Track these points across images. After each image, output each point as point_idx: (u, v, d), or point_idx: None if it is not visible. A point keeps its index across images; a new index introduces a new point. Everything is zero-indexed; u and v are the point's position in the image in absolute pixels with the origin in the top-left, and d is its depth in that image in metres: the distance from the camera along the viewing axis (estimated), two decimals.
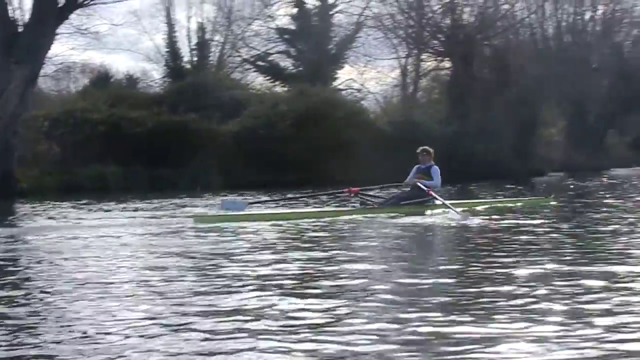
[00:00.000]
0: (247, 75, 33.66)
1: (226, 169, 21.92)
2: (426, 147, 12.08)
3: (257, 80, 32.91)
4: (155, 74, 33.58)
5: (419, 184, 11.41)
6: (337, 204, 12.95)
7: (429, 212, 11.30)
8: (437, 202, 11.31)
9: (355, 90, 31.38)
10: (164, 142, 21.43)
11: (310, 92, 25.76)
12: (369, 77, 32.59)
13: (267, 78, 32.58)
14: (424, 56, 31.67)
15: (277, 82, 31.93)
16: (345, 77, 33.58)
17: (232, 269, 5.74)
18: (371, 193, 12.21)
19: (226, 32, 32.32)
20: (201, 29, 31.72)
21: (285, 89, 29.88)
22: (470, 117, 28.11)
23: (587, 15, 40.81)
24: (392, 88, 32.07)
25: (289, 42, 33.13)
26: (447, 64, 31.65)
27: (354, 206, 11.69)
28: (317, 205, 13.42)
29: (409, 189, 11.69)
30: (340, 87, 32.78)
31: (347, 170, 20.50)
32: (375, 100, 31.28)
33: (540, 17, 38.13)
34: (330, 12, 33.36)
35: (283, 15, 33.53)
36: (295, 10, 32.99)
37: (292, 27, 33.17)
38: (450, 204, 11.21)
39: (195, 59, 31.55)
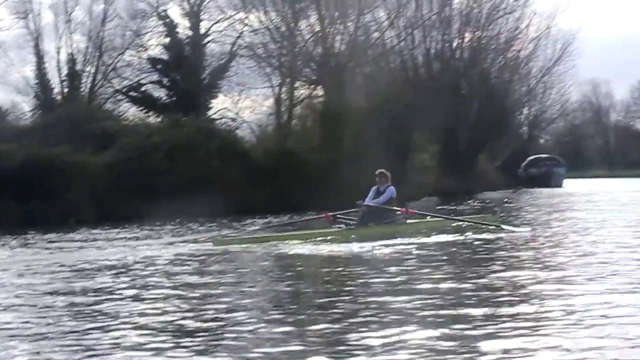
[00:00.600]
0: (120, 106, 33.77)
1: (100, 201, 22.16)
2: (382, 170, 14.26)
3: (130, 111, 33.10)
4: (25, 106, 33.22)
5: (371, 204, 13.50)
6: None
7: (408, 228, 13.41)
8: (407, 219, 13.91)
9: (230, 120, 32.17)
10: (35, 175, 21.39)
11: (184, 122, 26.37)
12: (243, 106, 33.42)
13: (141, 109, 32.84)
14: (297, 84, 32.77)
15: (150, 113, 32.24)
16: (220, 106, 34.27)
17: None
18: (344, 216, 13.97)
19: (97, 63, 32.42)
20: (71, 59, 31.64)
21: (159, 119, 30.30)
22: (344, 144, 29.30)
23: (455, 43, 43.03)
24: (266, 117, 33.00)
25: (161, 72, 33.56)
26: (320, 91, 32.88)
27: (339, 227, 13.41)
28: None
29: (367, 209, 13.43)
30: (215, 116, 33.44)
31: (223, 200, 21.16)
32: (250, 129, 32.09)
33: (409, 44, 40.07)
34: (203, 42, 34.09)
35: (155, 45, 33.97)
36: (167, 40, 33.51)
37: (165, 57, 33.65)
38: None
39: (66, 90, 31.46)
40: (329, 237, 12.36)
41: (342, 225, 13.47)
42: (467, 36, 43.51)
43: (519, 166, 53.18)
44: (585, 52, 54.70)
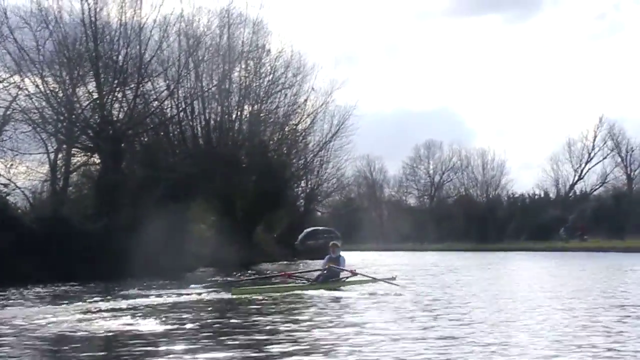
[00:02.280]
0: None
1: None
2: (335, 242, 22.78)
3: None
4: None
5: (332, 266, 20.13)
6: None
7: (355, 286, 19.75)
8: (362, 277, 20.79)
9: (2, 186, 31.69)
10: None
11: None
12: (17, 171, 32.92)
13: None
14: (73, 151, 33.00)
15: None
16: None
17: None
18: (300, 275, 21.20)
19: None
20: None
21: None
22: (121, 213, 29.89)
23: (234, 115, 44.63)
24: (41, 183, 32.83)
25: None
26: (97, 159, 33.31)
27: (303, 283, 20.06)
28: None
29: (326, 271, 20.18)
30: None
31: None
32: (23, 196, 31.72)
33: (189, 115, 41.32)
34: None
35: None
36: None
37: None
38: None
39: None
40: (308, 288, 19.03)
41: (304, 281, 20.21)
42: (247, 109, 45.00)
43: (296, 238, 55.09)
44: (361, 128, 58.03)
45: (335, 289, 18.80)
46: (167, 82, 37.53)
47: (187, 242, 34.70)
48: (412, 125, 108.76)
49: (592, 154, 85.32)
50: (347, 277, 20.49)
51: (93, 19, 32.43)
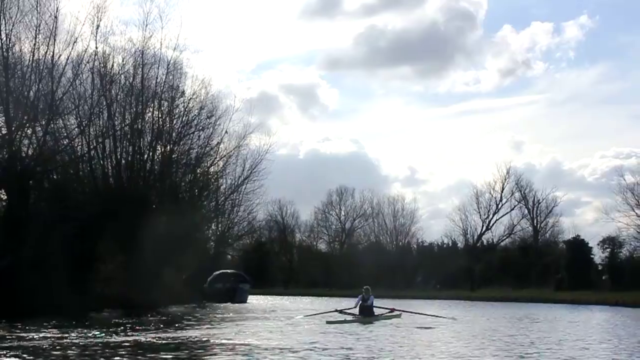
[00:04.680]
0: None
1: None
2: (368, 287, 28.00)
3: None
4: None
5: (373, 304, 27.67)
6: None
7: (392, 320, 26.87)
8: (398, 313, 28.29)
9: None
10: None
11: None
12: None
13: None
14: None
15: None
16: None
17: None
18: (347, 310, 27.53)
19: None
20: None
21: None
22: (27, 250, 29.58)
23: (146, 155, 44.38)
24: None
25: None
26: (3, 195, 32.92)
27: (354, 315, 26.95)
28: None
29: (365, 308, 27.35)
30: None
31: None
32: None
33: (100, 153, 41.04)
34: None
35: None
36: None
37: None
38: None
39: None
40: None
41: (349, 317, 26.64)
42: (159, 149, 44.73)
43: (205, 281, 54.96)
44: (274, 172, 58.56)
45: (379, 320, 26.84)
46: (79, 119, 37.43)
47: (94, 282, 34.42)
48: (325, 170, 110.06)
49: (499, 205, 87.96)
50: (388, 313, 27.98)
51: (5, 54, 32.24)
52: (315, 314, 29.47)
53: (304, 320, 27.08)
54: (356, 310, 27.42)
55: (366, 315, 26.90)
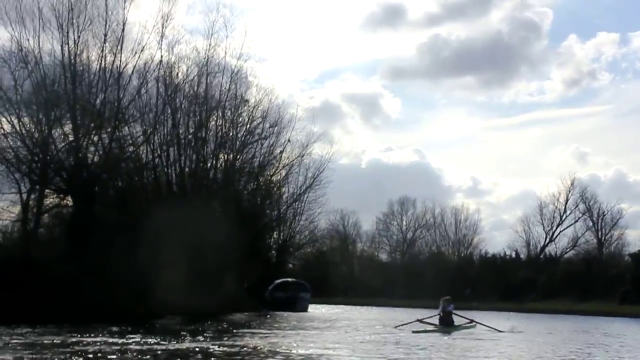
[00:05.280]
0: None
1: None
2: (448, 297, 29.52)
3: None
4: None
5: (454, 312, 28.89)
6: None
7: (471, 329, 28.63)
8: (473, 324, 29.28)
9: None
10: None
11: None
12: None
13: None
14: (46, 192, 32.95)
15: None
16: None
17: None
18: (428, 320, 28.96)
19: None
20: None
21: None
22: (91, 257, 29.79)
23: (210, 163, 44.61)
24: (12, 223, 32.71)
25: None
26: (69, 201, 33.26)
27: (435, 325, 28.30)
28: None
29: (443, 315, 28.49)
30: None
31: None
32: None
33: (164, 161, 41.26)
34: None
35: None
36: None
37: None
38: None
39: None
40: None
41: (431, 326, 27.98)
42: (222, 157, 44.89)
43: (266, 289, 54.86)
44: (336, 181, 58.34)
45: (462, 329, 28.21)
46: (144, 127, 37.74)
47: (156, 289, 34.51)
48: (387, 180, 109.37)
49: (563, 217, 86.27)
50: (466, 324, 29.19)
51: (72, 61, 32.67)
52: (402, 325, 29.79)
53: (396, 329, 27.94)
54: (436, 320, 28.66)
55: (446, 325, 28.06)
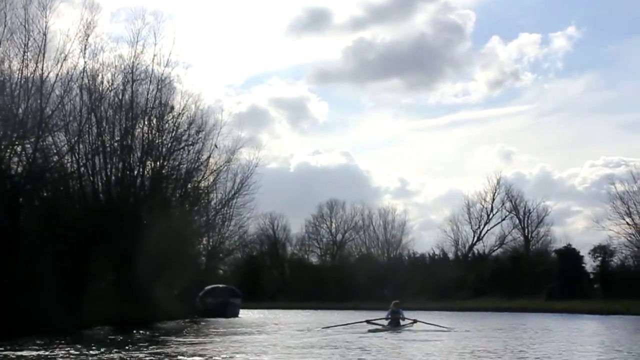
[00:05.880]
0: None
1: None
2: (397, 301, 33.27)
3: None
4: None
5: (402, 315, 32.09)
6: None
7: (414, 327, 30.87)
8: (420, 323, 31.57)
9: None
10: None
11: None
12: None
13: None
14: None
15: None
16: None
17: None
18: (376, 320, 31.17)
19: None
20: None
21: None
22: (16, 269, 29.45)
23: (136, 171, 44.12)
24: None
25: None
26: None
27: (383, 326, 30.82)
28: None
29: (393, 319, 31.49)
30: None
31: None
32: None
33: (90, 170, 40.83)
34: None
35: None
36: None
37: None
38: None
39: None
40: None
41: (380, 326, 30.46)
42: (149, 165, 44.65)
43: (197, 296, 54.76)
44: (265, 186, 58.55)
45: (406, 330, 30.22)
46: (68, 136, 37.39)
47: (85, 300, 34.30)
48: (316, 183, 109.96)
49: (490, 216, 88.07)
50: (410, 324, 31.65)
51: None
52: (343, 325, 31.85)
53: (331, 331, 29.21)
54: (385, 322, 31.39)
55: (394, 325, 31.17)
